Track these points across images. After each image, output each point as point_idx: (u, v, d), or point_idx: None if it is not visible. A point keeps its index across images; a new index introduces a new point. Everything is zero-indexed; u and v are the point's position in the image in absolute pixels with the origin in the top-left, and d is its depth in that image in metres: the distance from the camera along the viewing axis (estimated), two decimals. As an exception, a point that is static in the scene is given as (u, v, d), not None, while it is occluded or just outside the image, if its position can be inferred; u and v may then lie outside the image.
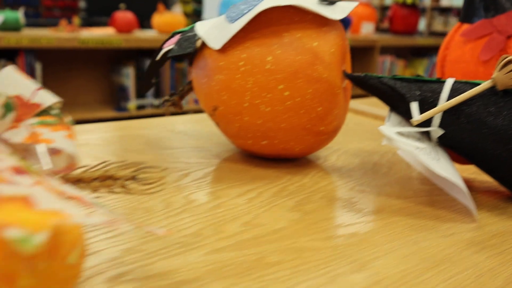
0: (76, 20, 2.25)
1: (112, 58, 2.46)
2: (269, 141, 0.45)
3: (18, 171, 0.22)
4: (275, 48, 0.42)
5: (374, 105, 0.81)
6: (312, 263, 0.31)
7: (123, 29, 2.23)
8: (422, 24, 4.06)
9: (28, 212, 0.19)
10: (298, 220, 0.37)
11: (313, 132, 0.45)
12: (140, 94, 0.53)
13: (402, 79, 0.45)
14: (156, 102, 2.41)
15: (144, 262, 0.30)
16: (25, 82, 0.27)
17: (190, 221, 0.36)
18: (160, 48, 0.48)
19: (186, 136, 0.57)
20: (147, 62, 2.38)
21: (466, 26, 0.72)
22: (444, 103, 0.42)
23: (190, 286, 0.28)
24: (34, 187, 0.21)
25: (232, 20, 0.44)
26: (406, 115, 0.44)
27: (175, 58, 0.46)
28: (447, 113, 0.42)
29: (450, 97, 0.42)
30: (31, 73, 2.10)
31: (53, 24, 3.12)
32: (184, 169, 0.46)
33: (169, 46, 0.47)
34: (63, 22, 2.19)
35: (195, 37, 0.46)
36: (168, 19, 2.33)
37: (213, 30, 0.45)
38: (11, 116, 0.24)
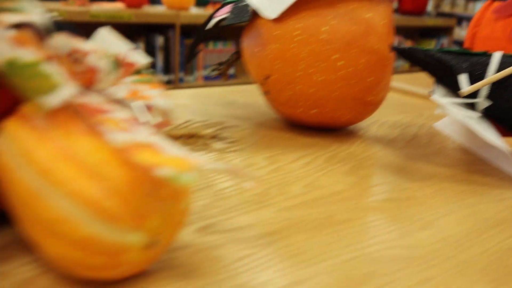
0: (86, -7, 2.23)
1: (122, 33, 2.45)
2: (319, 110, 0.47)
3: (136, 121, 0.23)
4: (330, 19, 0.43)
5: (401, 81, 0.83)
6: (379, 221, 0.33)
7: (133, 3, 2.22)
8: (429, 5, 4.03)
9: (162, 156, 0.20)
10: (355, 184, 0.39)
11: (362, 102, 0.46)
12: (186, 63, 0.54)
13: (449, 52, 0.46)
14: (166, 78, 2.41)
15: (223, 217, 0.31)
16: (120, 43, 0.28)
17: (255, 182, 0.37)
18: (210, 18, 0.49)
19: (229, 106, 0.58)
20: (158, 38, 2.37)
21: (497, 4, 0.73)
22: (492, 75, 0.43)
23: (271, 239, 0.29)
24: (153, 136, 0.22)
25: (286, -10, 0.45)
26: (452, 87, 0.46)
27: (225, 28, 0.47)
28: (494, 85, 0.43)
29: (498, 69, 0.43)
30: (41, 46, 2.10)
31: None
32: (235, 136, 0.47)
33: (221, 15, 0.48)
34: (73, -4, 2.18)
35: (248, 6, 0.47)
36: (178, -6, 2.31)
37: (266, 0, 0.46)
38: (117, 73, 0.26)
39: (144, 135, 0.22)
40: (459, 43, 3.40)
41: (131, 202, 0.21)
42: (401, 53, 0.48)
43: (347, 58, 0.44)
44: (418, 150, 0.48)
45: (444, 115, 0.62)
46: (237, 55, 0.52)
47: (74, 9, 2.00)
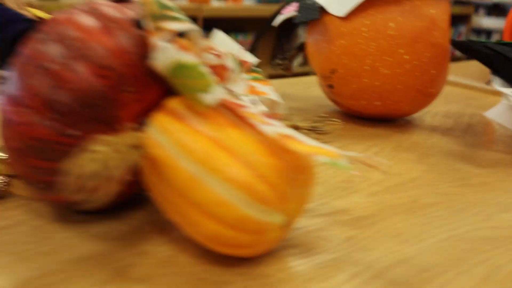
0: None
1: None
2: (382, 102, 0.49)
3: (267, 115, 0.26)
4: (397, 15, 0.46)
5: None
6: (462, 204, 0.35)
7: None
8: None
9: (306, 146, 0.23)
10: (428, 171, 0.41)
11: (424, 93, 0.49)
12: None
13: (506, 44, 0.48)
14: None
15: (319, 202, 0.34)
16: (232, 43, 0.31)
17: (336, 170, 0.40)
18: (276, 14, 0.52)
19: (285, 99, 0.61)
20: (178, 31, 2.40)
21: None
22: (552, 66, 0.45)
23: (369, 221, 0.32)
24: (286, 128, 0.25)
25: (352, -12, 0.47)
26: (510, 77, 0.48)
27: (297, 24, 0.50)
28: (555, 76, 0.45)
29: (558, 61, 0.45)
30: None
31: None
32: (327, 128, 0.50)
33: (288, 13, 0.50)
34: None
35: (315, 4, 0.49)
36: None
37: (333, -2, 0.48)
38: (239, 71, 0.28)
39: (280, 127, 0.25)
40: (477, 31, 3.39)
41: (277, 187, 0.23)
42: (459, 46, 0.50)
43: (413, 52, 0.46)
44: (475, 138, 0.51)
45: (494, 104, 0.64)
46: (299, 50, 0.55)
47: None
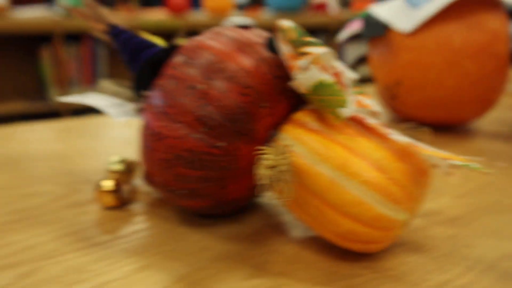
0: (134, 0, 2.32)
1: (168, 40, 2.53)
2: (445, 111, 0.52)
3: (386, 126, 0.29)
4: (462, 29, 0.49)
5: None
6: (544, 204, 0.38)
7: (176, 9, 2.30)
8: None
9: (430, 152, 0.26)
10: (501, 174, 0.44)
11: (486, 101, 0.52)
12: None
13: None
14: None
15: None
16: (337, 62, 0.34)
17: (415, 175, 0.43)
18: (338, 30, 0.55)
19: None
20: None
21: None
22: None
23: (464, 220, 0.35)
24: (403, 136, 0.28)
25: (416, 5, 0.50)
26: None
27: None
28: None
29: None
30: (94, 56, 2.19)
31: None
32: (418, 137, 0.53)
33: (352, 29, 0.54)
34: (120, 4, 2.27)
35: (380, 22, 0.52)
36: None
37: (397, 15, 0.51)
38: (351, 86, 0.31)
39: (400, 135, 0.28)
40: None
41: (406, 188, 0.26)
42: (517, 56, 0.53)
43: (477, 64, 0.49)
44: (535, 143, 0.53)
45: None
46: (359, 62, 0.58)
47: (123, 18, 2.09)
